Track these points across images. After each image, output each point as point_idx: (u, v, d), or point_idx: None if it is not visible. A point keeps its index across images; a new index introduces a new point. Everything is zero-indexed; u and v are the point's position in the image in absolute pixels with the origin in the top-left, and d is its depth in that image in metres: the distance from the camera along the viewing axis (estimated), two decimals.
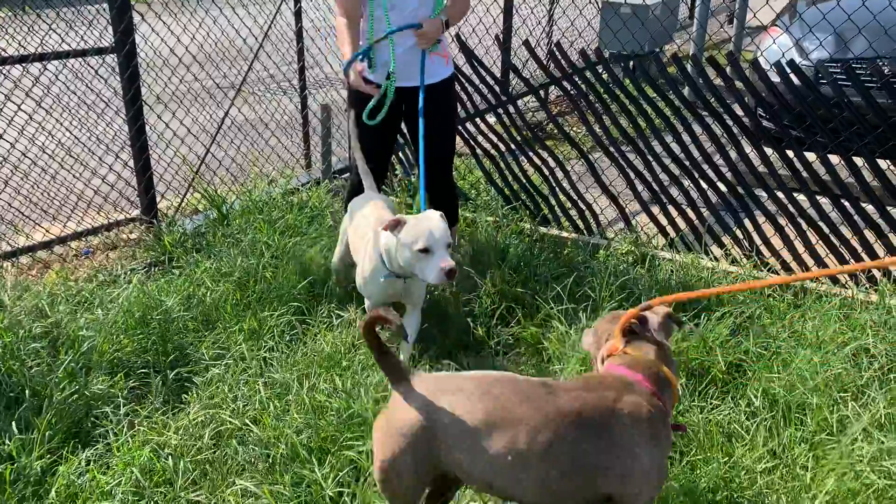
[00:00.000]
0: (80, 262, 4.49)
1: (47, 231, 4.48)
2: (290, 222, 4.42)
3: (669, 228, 4.36)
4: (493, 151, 4.90)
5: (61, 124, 4.73)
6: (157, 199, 4.73)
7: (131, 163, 4.63)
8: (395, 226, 2.92)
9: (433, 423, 1.92)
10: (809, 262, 3.99)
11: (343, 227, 3.72)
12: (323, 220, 4.53)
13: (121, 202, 4.94)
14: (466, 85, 4.91)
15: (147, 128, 4.54)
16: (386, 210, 3.42)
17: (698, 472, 2.45)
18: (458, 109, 5.04)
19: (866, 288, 3.76)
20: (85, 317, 3.35)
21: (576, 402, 1.92)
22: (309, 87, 5.74)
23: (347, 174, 5.54)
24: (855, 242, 3.86)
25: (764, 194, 4.06)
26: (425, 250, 2.82)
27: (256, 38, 5.33)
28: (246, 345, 3.20)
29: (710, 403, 2.82)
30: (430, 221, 2.88)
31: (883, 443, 2.44)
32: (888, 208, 3.77)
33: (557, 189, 4.68)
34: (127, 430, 2.75)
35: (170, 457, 2.57)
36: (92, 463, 2.57)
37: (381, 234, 3.06)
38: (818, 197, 3.96)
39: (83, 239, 4.61)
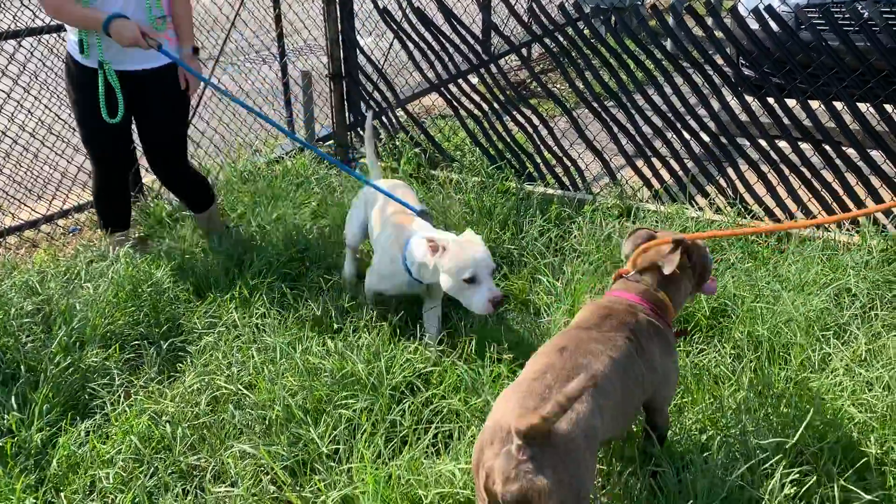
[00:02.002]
0: (69, 239, 4.49)
1: (33, 210, 4.47)
2: (276, 191, 4.42)
3: (654, 180, 4.38)
4: (476, 112, 4.90)
5: (40, 101, 4.68)
6: (142, 173, 4.71)
7: None
8: (435, 250, 2.80)
9: None
10: (792, 207, 4.03)
11: (357, 210, 3.57)
12: (308, 186, 4.53)
13: None
14: (447, 45, 4.89)
15: None
16: (410, 194, 3.42)
17: (686, 413, 2.51)
18: (440, 70, 5.05)
19: (849, 230, 3.80)
20: (76, 292, 3.36)
21: (615, 331, 2.12)
22: (288, 54, 5.69)
23: (331, 141, 5.53)
24: (836, 185, 3.89)
25: (746, 142, 4.08)
26: (471, 280, 2.72)
27: (232, 6, 5.27)
28: (237, 313, 3.23)
29: (697, 348, 2.88)
30: (475, 248, 2.77)
31: (863, 376, 2.50)
32: (868, 151, 3.81)
33: (542, 146, 4.69)
34: (123, 401, 2.78)
35: (167, 424, 2.61)
36: (91, 433, 2.60)
37: (415, 246, 2.95)
38: (799, 143, 3.98)
39: (70, 217, 4.60)
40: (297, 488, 2.34)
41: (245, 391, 2.76)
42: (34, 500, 2.35)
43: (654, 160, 4.34)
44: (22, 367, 2.87)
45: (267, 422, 2.58)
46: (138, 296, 3.37)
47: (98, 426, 2.67)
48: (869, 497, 2.13)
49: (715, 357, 2.79)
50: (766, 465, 2.18)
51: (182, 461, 2.47)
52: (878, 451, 2.28)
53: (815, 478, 2.17)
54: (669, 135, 4.29)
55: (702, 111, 4.14)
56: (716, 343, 2.89)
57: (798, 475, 2.16)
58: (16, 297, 3.26)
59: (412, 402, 2.62)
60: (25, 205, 4.55)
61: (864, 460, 2.25)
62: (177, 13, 3.51)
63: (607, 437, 2.09)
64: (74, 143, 4.77)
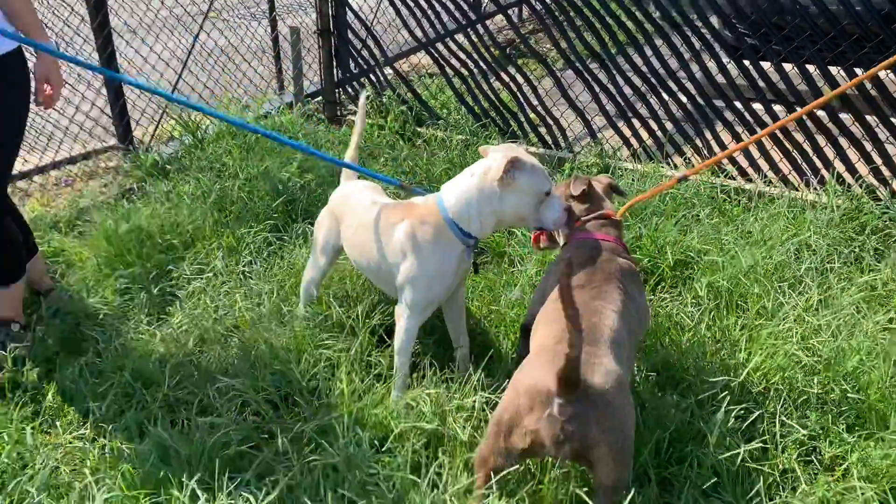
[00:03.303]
0: (60, 190, 4.59)
1: (25, 161, 4.56)
2: (264, 145, 4.52)
3: (633, 140, 4.50)
4: (463, 71, 4.98)
5: (31, 55, 4.74)
6: (133, 126, 4.80)
7: (104, 91, 4.69)
8: (510, 168, 2.34)
9: None
10: (764, 166, 4.16)
11: (323, 234, 2.91)
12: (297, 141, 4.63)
13: (97, 131, 5.00)
14: (435, 4, 4.96)
15: (118, 55, 4.58)
16: (374, 190, 2.88)
17: (647, 355, 2.67)
18: (428, 29, 5.12)
19: (816, 190, 3.94)
20: (67, 239, 3.49)
21: (606, 284, 2.21)
22: (278, 10, 5.74)
23: (319, 97, 5.61)
24: (807, 146, 4.02)
25: (722, 104, 4.20)
26: (548, 192, 2.41)
27: None
28: (224, 261, 3.36)
29: (659, 297, 3.03)
30: (531, 156, 2.44)
31: (812, 324, 2.66)
32: (838, 114, 3.93)
33: (526, 106, 4.79)
34: (115, 340, 2.92)
35: (157, 362, 2.75)
36: (83, 369, 2.75)
37: (452, 189, 2.47)
38: (773, 105, 4.10)
39: (61, 168, 4.70)
40: (278, 420, 2.50)
41: (231, 331, 2.90)
42: (31, 430, 2.50)
43: (634, 120, 4.46)
44: None
45: (251, 360, 2.73)
46: (128, 244, 3.49)
47: (90, 363, 2.81)
48: (804, 432, 2.30)
49: (677, 306, 2.94)
50: (714, 402, 2.35)
51: (170, 395, 2.62)
52: (820, 391, 2.45)
53: (758, 413, 2.33)
54: (649, 96, 4.40)
55: (681, 73, 4.25)
56: (678, 293, 3.04)
57: (743, 412, 2.32)
58: None
59: (389, 345, 2.77)
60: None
61: (805, 399, 2.42)
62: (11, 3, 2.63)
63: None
64: (65, 96, 4.85)
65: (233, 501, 2.07)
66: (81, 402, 2.63)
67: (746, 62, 4.06)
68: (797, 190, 3.98)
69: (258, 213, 3.78)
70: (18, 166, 4.59)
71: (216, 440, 2.31)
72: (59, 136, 4.77)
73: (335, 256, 2.93)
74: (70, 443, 2.44)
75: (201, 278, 3.27)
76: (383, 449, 2.30)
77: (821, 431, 2.36)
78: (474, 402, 2.37)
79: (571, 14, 4.46)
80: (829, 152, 3.99)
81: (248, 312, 2.98)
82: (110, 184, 4.50)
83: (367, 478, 2.13)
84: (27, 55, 2.83)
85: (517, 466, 2.04)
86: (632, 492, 1.90)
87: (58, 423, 2.54)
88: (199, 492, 2.07)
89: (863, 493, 2.11)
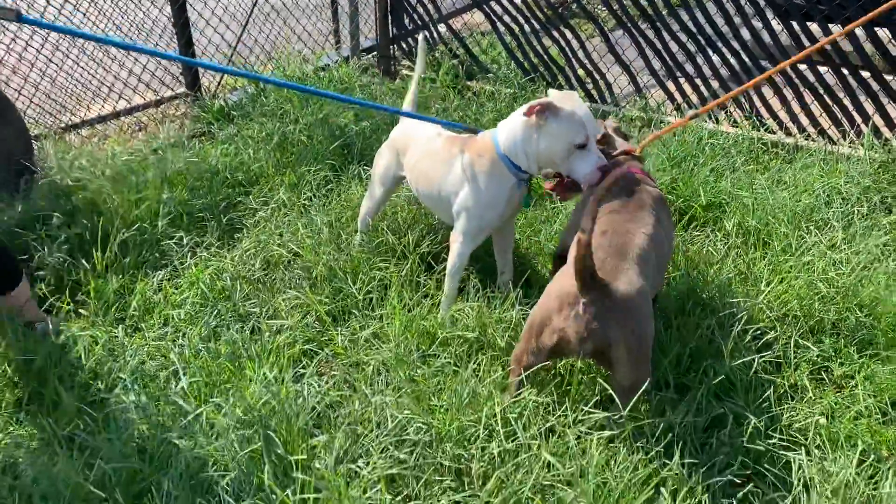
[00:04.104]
0: (135, 134, 4.94)
1: (103, 106, 4.92)
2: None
3: (677, 95, 4.64)
4: (514, 27, 5.16)
5: (105, 15, 5.08)
6: (200, 74, 5.12)
7: (175, 43, 5.00)
8: (544, 111, 2.51)
9: None
10: (805, 121, 4.27)
11: (384, 164, 3.15)
12: (352, 92, 4.89)
13: (167, 80, 5.33)
14: None
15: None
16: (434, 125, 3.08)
17: (673, 284, 2.87)
18: None
19: (853, 143, 4.05)
20: (144, 173, 3.81)
21: (640, 210, 2.39)
22: None
23: (374, 52, 5.85)
24: (847, 102, 4.12)
25: (767, 63, 4.31)
26: (582, 145, 2.51)
27: None
28: (287, 195, 3.65)
29: (691, 234, 3.22)
30: (581, 108, 2.52)
31: (832, 258, 2.83)
32: (885, 76, 4.01)
33: (574, 62, 4.96)
34: (190, 258, 3.24)
35: (228, 277, 3.06)
36: (164, 281, 3.07)
37: (512, 126, 2.64)
38: (818, 66, 4.20)
39: (134, 114, 5.04)
40: (337, 328, 2.78)
41: (294, 255, 3.20)
42: (122, 331, 2.83)
43: (681, 79, 4.59)
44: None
45: (312, 278, 3.02)
46: (199, 178, 3.80)
47: (169, 277, 3.13)
48: (816, 351, 2.49)
49: (706, 243, 3.13)
50: (733, 323, 2.55)
51: (240, 306, 2.93)
52: (835, 318, 2.63)
53: (774, 335, 2.53)
54: (696, 55, 4.53)
55: (726, 31, 4.37)
56: (708, 232, 3.23)
57: (759, 332, 2.52)
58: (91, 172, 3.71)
59: (436, 270, 3.03)
60: (92, 108, 5.01)
61: (820, 325, 2.61)
62: None
63: (653, 294, 2.40)
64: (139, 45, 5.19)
65: (299, 387, 2.36)
66: (161, 311, 2.95)
67: (794, 24, 4.15)
68: (835, 144, 4.09)
69: (317, 155, 4.05)
70: (96, 111, 4.97)
71: (283, 340, 2.61)
72: (133, 83, 5.11)
73: (393, 187, 3.19)
74: (154, 340, 2.76)
75: (266, 209, 3.56)
76: (429, 353, 2.56)
77: (833, 353, 2.54)
78: (512, 315, 2.62)
79: None
80: (869, 108, 4.08)
81: (308, 240, 3.26)
82: (181, 127, 4.82)
83: (414, 374, 2.40)
84: None
85: (547, 364, 2.28)
86: (651, 392, 2.13)
87: (143, 326, 2.87)
88: (271, 378, 2.37)
89: (866, 406, 2.30)
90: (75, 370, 2.62)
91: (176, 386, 2.48)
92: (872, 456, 2.14)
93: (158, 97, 5.16)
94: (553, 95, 2.58)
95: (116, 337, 2.77)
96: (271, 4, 5.89)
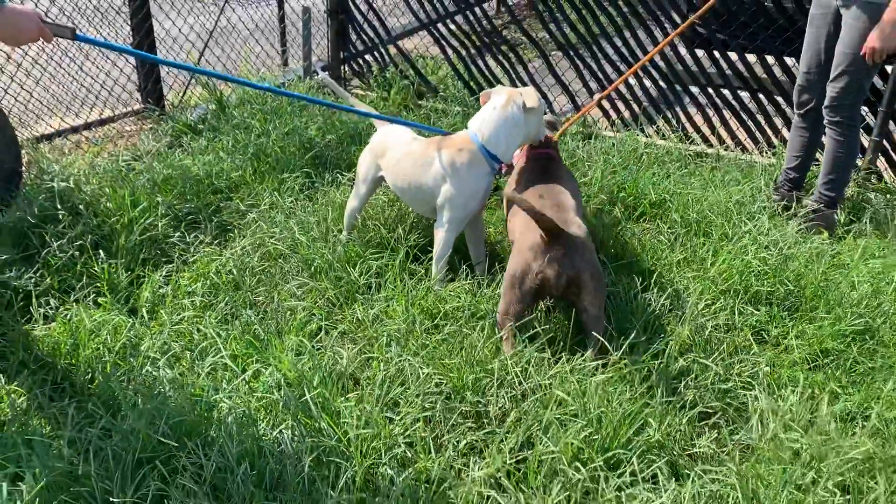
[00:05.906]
0: (103, 146, 5.08)
1: (62, 121, 5.04)
2: (285, 110, 5.08)
3: (612, 112, 5.19)
4: (460, 49, 5.61)
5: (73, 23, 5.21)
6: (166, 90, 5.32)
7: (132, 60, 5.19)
8: (517, 97, 3.10)
9: None
10: (723, 134, 4.88)
11: (365, 167, 3.53)
12: (311, 108, 5.20)
13: (124, 97, 5.49)
14: None
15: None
16: (407, 131, 3.51)
17: (631, 270, 3.33)
18: (429, 10, 5.74)
19: (769, 154, 4.68)
20: (135, 179, 4.01)
21: (558, 172, 3.11)
22: None
23: (327, 72, 6.18)
24: (760, 117, 4.75)
25: (694, 89, 4.93)
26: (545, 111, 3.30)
27: None
28: (272, 198, 3.92)
29: (641, 226, 3.71)
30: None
31: (761, 242, 3.37)
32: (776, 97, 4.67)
33: (517, 82, 5.44)
34: (192, 252, 3.47)
35: (233, 269, 3.32)
36: (172, 274, 3.30)
37: (480, 122, 3.14)
38: (738, 90, 4.84)
39: (93, 129, 5.18)
40: (343, 311, 3.09)
41: (290, 250, 3.48)
42: (142, 317, 3.04)
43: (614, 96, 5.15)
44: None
45: (312, 269, 3.32)
46: (183, 184, 4.02)
47: (176, 270, 3.36)
48: (757, 315, 2.99)
49: (654, 234, 3.62)
50: (686, 296, 3.02)
51: (250, 294, 3.19)
52: (769, 290, 3.14)
53: (721, 304, 3.02)
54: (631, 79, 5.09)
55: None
56: (658, 223, 3.73)
57: (710, 301, 3.00)
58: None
59: (423, 260, 3.38)
60: (64, 120, 5.12)
61: (757, 295, 3.12)
62: None
63: None
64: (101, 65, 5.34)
65: (320, 355, 2.66)
66: (173, 299, 3.18)
67: (716, 53, 4.78)
68: (750, 153, 4.71)
69: (291, 165, 4.34)
70: (55, 126, 5.08)
71: (300, 318, 2.90)
72: (91, 99, 5.24)
73: (374, 187, 3.55)
74: (174, 324, 2.99)
75: (255, 210, 3.83)
76: (434, 325, 2.91)
77: (769, 318, 3.05)
78: (498, 292, 3.01)
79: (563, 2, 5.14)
80: (778, 122, 4.73)
81: (302, 236, 3.56)
82: (155, 139, 5.01)
83: (423, 342, 2.75)
84: None
85: (534, 315, 2.71)
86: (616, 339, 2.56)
87: (162, 312, 3.09)
88: (301, 347, 2.66)
89: (799, 356, 2.80)
90: (102, 353, 2.83)
91: (204, 361, 2.73)
92: (808, 391, 2.63)
93: (121, 112, 5.31)
94: (496, 91, 3.17)
95: (135, 325, 2.99)
96: (221, 26, 6.15)
